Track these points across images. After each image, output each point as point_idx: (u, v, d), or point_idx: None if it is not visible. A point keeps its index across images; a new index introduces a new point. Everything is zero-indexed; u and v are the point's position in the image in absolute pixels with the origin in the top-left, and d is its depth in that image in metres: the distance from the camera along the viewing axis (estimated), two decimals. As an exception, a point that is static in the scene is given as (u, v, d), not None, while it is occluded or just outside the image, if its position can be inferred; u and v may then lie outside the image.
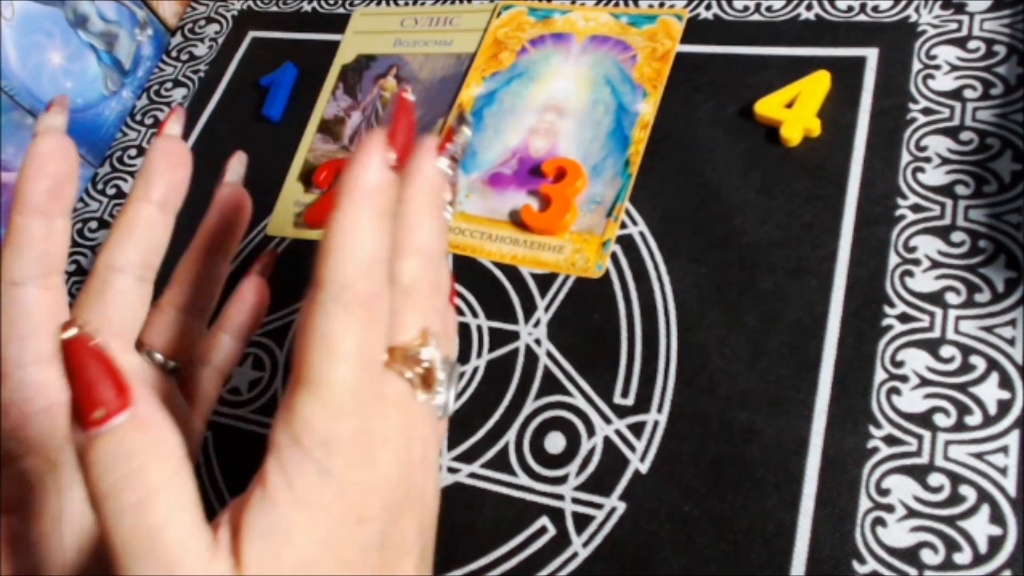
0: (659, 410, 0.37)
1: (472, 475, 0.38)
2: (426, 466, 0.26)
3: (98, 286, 0.29)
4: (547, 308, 0.41)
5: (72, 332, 0.22)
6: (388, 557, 0.25)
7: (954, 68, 0.41)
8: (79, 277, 0.51)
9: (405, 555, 0.25)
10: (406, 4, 0.55)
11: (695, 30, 0.46)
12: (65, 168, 0.27)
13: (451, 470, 0.38)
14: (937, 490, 0.32)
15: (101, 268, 0.29)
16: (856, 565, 0.32)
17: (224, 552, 0.22)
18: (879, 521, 0.32)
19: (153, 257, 0.30)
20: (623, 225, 0.42)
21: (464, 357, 0.41)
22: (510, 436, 0.38)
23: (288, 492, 0.23)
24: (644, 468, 0.36)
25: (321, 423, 0.23)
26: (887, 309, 0.36)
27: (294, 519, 0.22)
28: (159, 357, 0.30)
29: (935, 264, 0.36)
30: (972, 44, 0.41)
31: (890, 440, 0.33)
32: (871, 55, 0.42)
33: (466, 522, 0.37)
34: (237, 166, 0.34)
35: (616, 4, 0.49)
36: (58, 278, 0.28)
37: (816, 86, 0.41)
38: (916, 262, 0.37)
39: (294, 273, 0.46)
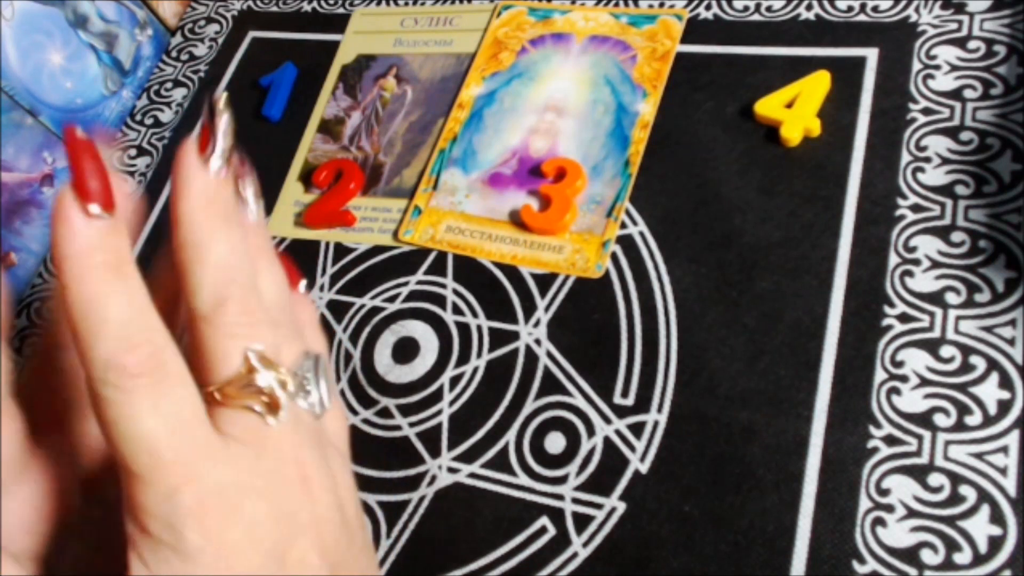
0: (659, 410, 0.37)
1: (472, 475, 0.38)
2: (310, 484, 0.24)
3: None
4: (547, 308, 0.41)
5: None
6: None
7: (954, 68, 0.41)
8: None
9: None
10: (406, 4, 0.55)
11: (695, 30, 0.46)
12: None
13: (451, 470, 0.38)
14: (937, 490, 0.32)
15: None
16: (856, 565, 0.32)
17: None
18: (879, 521, 0.32)
19: None
20: (623, 225, 0.42)
21: (464, 357, 0.41)
22: (510, 436, 0.38)
23: None
24: (644, 468, 0.36)
25: (157, 506, 0.22)
26: (887, 309, 0.36)
27: None
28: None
29: (935, 264, 0.36)
30: (972, 44, 0.41)
31: (890, 440, 0.33)
32: (871, 55, 0.42)
33: (466, 522, 0.37)
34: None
35: (616, 4, 0.49)
36: None
37: (816, 86, 0.41)
38: (916, 262, 0.37)
39: (294, 273, 0.46)
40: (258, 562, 0.22)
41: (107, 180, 0.22)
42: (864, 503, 0.33)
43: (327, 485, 0.25)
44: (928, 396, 0.34)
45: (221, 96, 0.23)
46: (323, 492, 0.25)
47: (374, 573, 0.27)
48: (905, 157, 0.39)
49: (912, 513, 0.32)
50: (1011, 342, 0.34)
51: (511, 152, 0.46)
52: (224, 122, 0.23)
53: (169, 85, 0.58)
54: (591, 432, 0.37)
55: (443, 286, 0.43)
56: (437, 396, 0.40)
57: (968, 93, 0.40)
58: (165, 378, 0.22)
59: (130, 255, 0.22)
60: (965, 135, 0.39)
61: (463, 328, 0.42)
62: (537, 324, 0.41)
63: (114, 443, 0.22)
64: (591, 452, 0.37)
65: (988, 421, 0.33)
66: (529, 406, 0.39)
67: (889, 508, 0.32)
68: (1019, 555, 0.30)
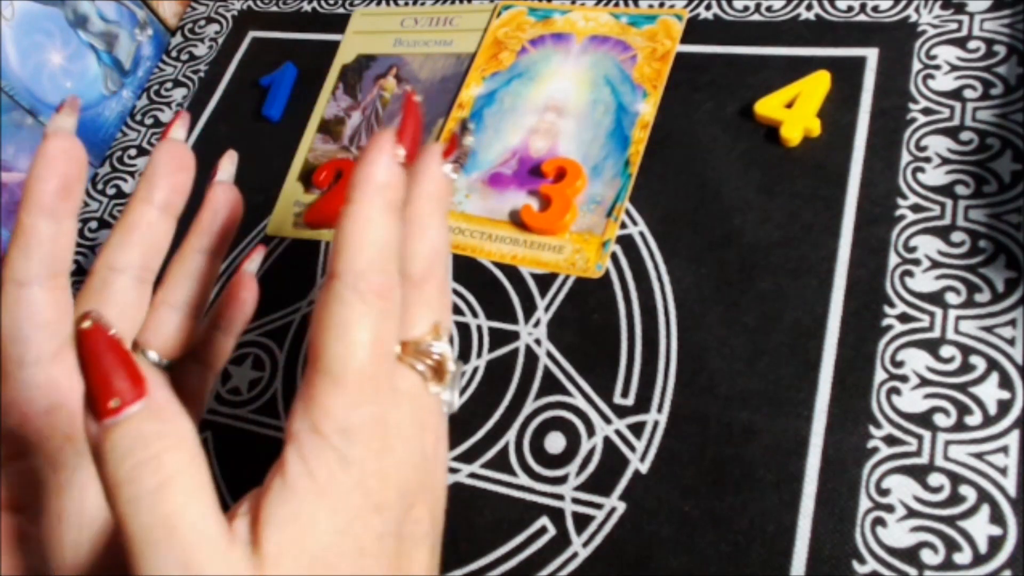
0: (659, 410, 0.37)
1: (472, 475, 0.38)
2: (436, 457, 0.26)
3: (98, 286, 0.29)
4: (547, 308, 0.41)
5: (88, 323, 0.22)
6: (403, 546, 0.25)
7: (954, 68, 0.41)
8: (79, 277, 0.51)
9: (419, 545, 0.26)
10: (406, 4, 0.55)
11: (695, 30, 0.46)
12: (74, 170, 0.27)
13: (451, 470, 0.38)
14: (937, 490, 0.32)
15: (101, 268, 0.29)
16: (856, 565, 0.32)
17: (242, 541, 0.22)
18: (879, 521, 0.32)
19: (153, 259, 0.29)
20: (623, 225, 0.42)
21: (464, 357, 0.41)
22: (510, 436, 0.38)
23: (309, 480, 0.23)
24: (644, 468, 0.36)
25: (340, 410, 0.23)
26: (887, 309, 0.36)
27: (315, 507, 0.23)
28: (153, 355, 0.30)
29: (935, 264, 0.36)
30: (972, 44, 0.41)
31: (890, 440, 0.33)
32: (871, 55, 0.42)
33: (466, 522, 0.37)
34: (228, 165, 0.33)
35: (616, 4, 0.49)
36: (64, 279, 0.28)
37: (816, 86, 0.41)
38: (916, 262, 0.37)
39: (294, 273, 0.46)
40: (394, 497, 0.24)
41: (419, 142, 0.26)
42: (864, 503, 0.33)
43: (444, 467, 0.28)
44: (928, 396, 0.34)
45: (472, 125, 0.28)
46: (442, 470, 0.27)
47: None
48: (905, 157, 0.39)
49: (912, 513, 0.32)
50: (1011, 342, 0.34)
51: (511, 152, 0.46)
52: (468, 142, 0.28)
53: (169, 85, 0.58)
54: (591, 432, 0.37)
55: (443, 286, 0.43)
56: (437, 396, 0.40)
57: (968, 93, 0.40)
58: (393, 310, 0.24)
59: (401, 208, 0.25)
60: (965, 135, 0.39)
61: (463, 328, 0.42)
62: (537, 324, 0.41)
63: (324, 341, 0.23)
64: (591, 452, 0.37)
65: (988, 421, 0.33)
66: (529, 406, 0.39)
67: (889, 508, 0.32)
68: (1019, 555, 0.30)
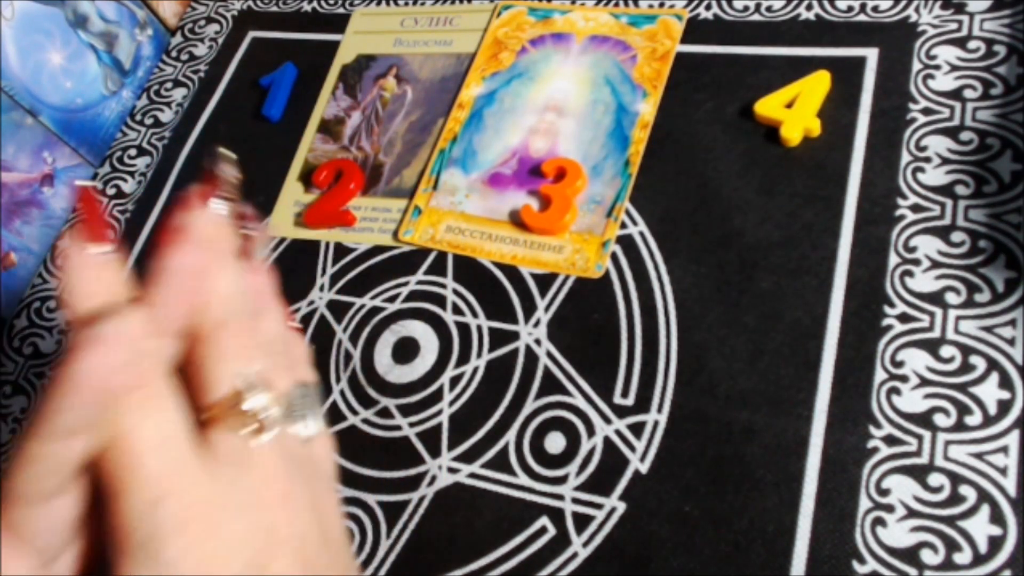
0: (659, 410, 0.37)
1: (472, 475, 0.38)
2: (291, 501, 0.25)
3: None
4: (547, 308, 0.41)
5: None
6: None
7: (954, 68, 0.41)
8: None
9: None
10: (406, 4, 0.55)
11: (695, 30, 0.46)
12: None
13: (451, 470, 0.38)
14: (937, 490, 0.32)
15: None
16: (856, 565, 0.32)
17: None
18: (879, 521, 0.32)
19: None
20: (623, 225, 0.42)
21: (464, 357, 0.41)
22: (510, 436, 0.38)
23: None
24: (644, 468, 0.36)
25: (138, 518, 0.22)
26: (887, 309, 0.36)
27: None
28: None
29: (935, 264, 0.36)
30: (972, 44, 0.41)
31: (890, 440, 0.33)
32: (871, 55, 0.42)
33: (466, 522, 0.37)
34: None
35: (616, 4, 0.49)
36: None
37: (816, 86, 0.41)
38: (916, 262, 0.37)
39: (294, 273, 0.46)
40: (239, 568, 0.23)
41: (102, 225, 0.24)
42: (864, 503, 0.33)
43: (307, 504, 0.26)
44: (928, 396, 0.34)
45: (228, 154, 0.25)
46: (304, 510, 0.25)
47: None
48: (905, 157, 0.39)
49: (912, 513, 0.32)
50: (1011, 342, 0.34)
51: (511, 152, 0.46)
52: (227, 172, 0.25)
53: (169, 85, 0.58)
54: (591, 432, 0.37)
55: (443, 286, 0.43)
56: (437, 396, 0.40)
57: (968, 93, 0.40)
58: (157, 396, 0.23)
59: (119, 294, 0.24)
60: (965, 135, 0.39)
61: (463, 328, 0.42)
62: (537, 324, 0.41)
63: (100, 459, 0.22)
64: (591, 452, 0.37)
65: (988, 421, 0.33)
66: (529, 406, 0.39)
67: (889, 508, 0.32)
68: (1019, 555, 0.30)
